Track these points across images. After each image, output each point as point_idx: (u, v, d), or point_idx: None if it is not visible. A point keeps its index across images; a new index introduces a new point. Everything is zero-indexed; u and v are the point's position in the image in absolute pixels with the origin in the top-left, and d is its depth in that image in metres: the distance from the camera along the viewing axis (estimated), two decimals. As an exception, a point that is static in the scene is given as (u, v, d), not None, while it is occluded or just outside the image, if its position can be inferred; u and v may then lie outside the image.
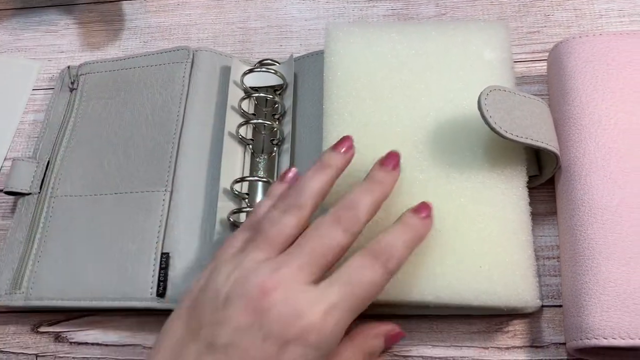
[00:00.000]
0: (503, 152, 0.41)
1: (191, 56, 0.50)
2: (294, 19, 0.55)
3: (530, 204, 0.42)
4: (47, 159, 0.49)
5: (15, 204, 0.49)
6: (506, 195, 0.41)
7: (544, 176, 0.43)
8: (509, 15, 0.52)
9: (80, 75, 0.53)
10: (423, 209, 0.37)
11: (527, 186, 0.43)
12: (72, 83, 0.52)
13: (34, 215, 0.47)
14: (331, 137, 0.42)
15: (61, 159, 0.49)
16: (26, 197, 0.48)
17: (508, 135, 0.38)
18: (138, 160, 0.47)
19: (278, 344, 0.30)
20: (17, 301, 0.43)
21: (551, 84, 0.46)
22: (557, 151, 0.40)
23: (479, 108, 0.38)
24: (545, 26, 0.51)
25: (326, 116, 0.43)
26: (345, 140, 0.38)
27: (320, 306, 0.31)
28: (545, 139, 0.40)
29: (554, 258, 0.42)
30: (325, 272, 0.33)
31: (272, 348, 0.30)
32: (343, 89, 0.44)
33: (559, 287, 0.41)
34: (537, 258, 0.42)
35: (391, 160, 0.37)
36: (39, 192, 0.48)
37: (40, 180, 0.48)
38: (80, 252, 0.44)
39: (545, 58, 0.49)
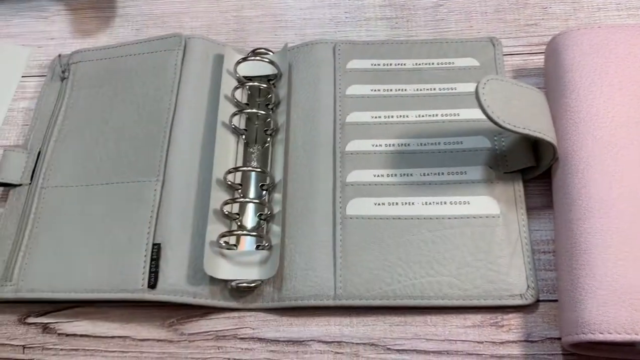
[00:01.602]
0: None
1: (183, 43, 0.49)
2: (289, 7, 0.54)
3: (526, 196, 0.42)
4: (38, 150, 0.48)
5: (4, 195, 0.48)
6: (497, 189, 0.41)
7: (541, 168, 0.42)
8: (507, 7, 0.52)
9: (71, 64, 0.52)
10: None
11: (523, 178, 0.43)
12: (63, 72, 0.51)
13: (24, 207, 0.46)
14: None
15: (52, 149, 0.48)
16: (17, 188, 0.47)
17: (506, 125, 0.38)
18: (129, 150, 0.46)
19: None
20: (7, 293, 0.42)
21: (548, 77, 0.45)
22: (554, 142, 0.40)
23: (477, 97, 0.37)
24: (542, 19, 0.51)
25: None
26: None
27: None
28: (543, 130, 0.39)
29: (549, 252, 0.42)
30: None
31: None
32: None
33: (554, 281, 0.41)
34: (533, 252, 0.41)
35: None
36: (30, 183, 0.47)
37: (31, 171, 0.47)
38: (71, 243, 0.43)
39: (543, 51, 0.49)
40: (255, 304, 0.41)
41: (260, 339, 0.41)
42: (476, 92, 0.38)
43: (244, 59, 0.48)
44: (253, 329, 0.41)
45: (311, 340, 0.41)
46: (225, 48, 0.49)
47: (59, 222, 0.44)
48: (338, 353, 0.40)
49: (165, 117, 0.46)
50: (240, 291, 0.41)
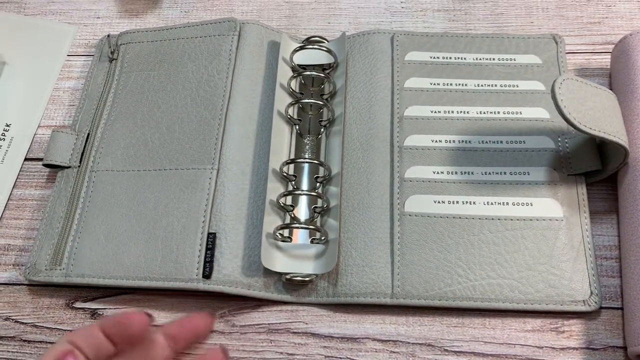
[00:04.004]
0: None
1: (238, 29, 0.48)
2: (343, -5, 0.53)
3: (589, 200, 0.41)
4: (87, 132, 0.47)
5: (50, 176, 0.47)
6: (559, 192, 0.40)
7: (607, 171, 0.41)
8: (569, 3, 0.50)
9: (120, 44, 0.51)
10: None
11: (586, 181, 0.42)
12: (112, 53, 0.50)
13: (73, 190, 0.45)
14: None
15: (102, 132, 0.47)
16: (65, 170, 0.46)
17: (581, 126, 0.36)
18: (183, 135, 0.45)
19: None
20: (58, 277, 0.42)
21: (616, 79, 0.44)
22: (627, 145, 0.38)
23: (553, 97, 0.36)
24: (606, 17, 0.49)
25: None
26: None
27: None
28: (617, 133, 0.38)
29: (612, 259, 0.41)
30: None
31: None
32: None
33: (617, 288, 0.40)
34: (595, 258, 0.40)
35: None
36: (79, 166, 0.46)
37: (80, 153, 0.46)
38: (122, 229, 0.42)
39: (606, 50, 0.47)
40: (309, 298, 0.41)
41: (313, 334, 0.40)
42: (552, 91, 0.36)
43: (302, 47, 0.47)
44: (306, 323, 0.41)
45: (366, 337, 0.40)
46: (281, 35, 0.48)
47: (110, 207, 0.44)
48: (394, 352, 0.39)
49: (220, 104, 0.45)
50: (294, 285, 0.41)
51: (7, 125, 0.49)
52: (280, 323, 0.41)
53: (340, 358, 0.39)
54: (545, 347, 0.39)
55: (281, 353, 0.40)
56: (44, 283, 0.43)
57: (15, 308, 0.43)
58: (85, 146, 0.46)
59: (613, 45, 0.46)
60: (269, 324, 0.41)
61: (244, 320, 0.41)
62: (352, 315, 0.40)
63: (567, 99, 0.36)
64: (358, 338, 0.40)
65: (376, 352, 0.39)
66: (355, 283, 0.40)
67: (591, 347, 0.38)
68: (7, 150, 0.48)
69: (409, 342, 0.39)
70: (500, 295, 0.39)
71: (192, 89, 0.47)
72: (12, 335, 0.42)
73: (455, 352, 0.39)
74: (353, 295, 0.40)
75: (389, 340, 0.40)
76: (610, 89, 0.46)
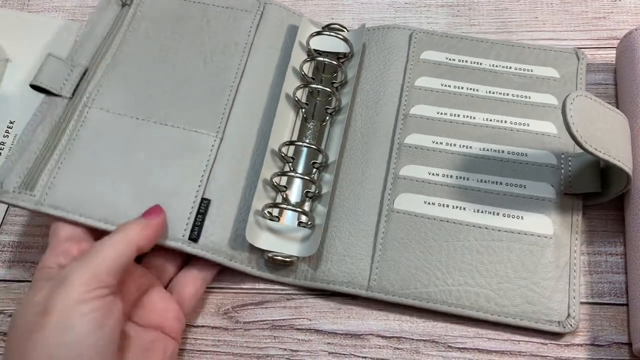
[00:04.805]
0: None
1: (262, 8, 0.48)
2: (346, -10, 0.53)
3: (584, 222, 0.41)
4: (86, 67, 0.45)
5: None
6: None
7: (608, 196, 0.40)
8: (574, -1, 0.50)
9: None
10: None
11: (584, 204, 0.41)
12: None
13: (60, 120, 0.43)
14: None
15: (103, 71, 0.45)
16: (55, 98, 0.44)
17: (587, 146, 0.35)
18: (191, 97, 0.45)
19: None
20: (26, 203, 0.40)
21: (621, 74, 0.44)
22: (630, 172, 0.37)
23: (563, 112, 0.35)
24: (612, 12, 0.49)
25: None
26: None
27: None
28: (623, 158, 0.37)
29: (617, 255, 0.40)
30: None
31: None
32: None
33: (622, 285, 0.40)
34: (600, 254, 0.40)
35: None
36: (71, 98, 0.44)
37: (75, 85, 0.44)
38: (111, 172, 0.41)
39: (612, 45, 0.47)
40: (288, 279, 0.41)
41: (317, 331, 0.40)
42: (563, 107, 0.35)
43: (318, 33, 0.47)
44: (310, 319, 0.41)
45: (370, 334, 0.40)
46: (302, 19, 0.48)
47: (101, 147, 0.42)
48: (397, 349, 0.39)
49: (233, 76, 0.45)
50: (275, 264, 0.41)
51: (11, 123, 0.49)
52: (283, 319, 0.41)
53: (344, 354, 0.39)
54: (550, 343, 0.39)
55: (285, 349, 0.40)
56: (9, 204, 0.41)
57: (16, 304, 0.43)
58: (81, 80, 0.45)
59: (618, 41, 0.45)
60: (272, 320, 0.41)
61: (247, 317, 0.41)
62: (356, 312, 0.41)
63: (576, 115, 0.35)
64: (362, 334, 0.40)
65: (380, 348, 0.39)
66: (334, 271, 0.40)
67: (596, 343, 0.38)
68: (10, 147, 0.48)
69: (412, 339, 0.39)
70: (475, 304, 0.39)
71: (206, 54, 0.46)
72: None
73: (459, 348, 0.39)
74: (330, 282, 0.40)
75: (392, 337, 0.40)
76: (615, 85, 0.45)
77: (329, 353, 0.40)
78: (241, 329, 0.41)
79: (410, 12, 0.51)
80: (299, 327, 0.41)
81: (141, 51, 0.47)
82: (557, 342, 0.38)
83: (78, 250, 0.37)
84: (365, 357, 0.39)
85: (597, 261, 0.40)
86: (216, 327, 0.41)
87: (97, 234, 0.39)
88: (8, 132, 0.49)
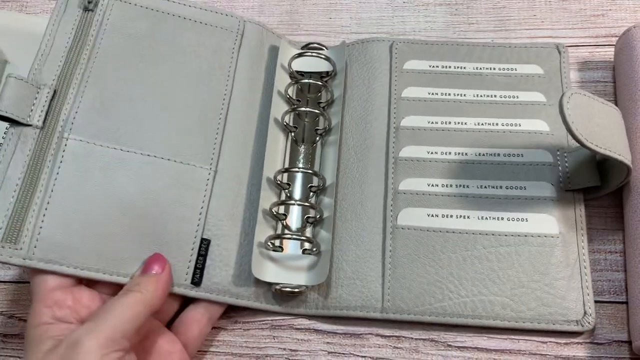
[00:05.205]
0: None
1: (242, 27, 0.46)
2: (344, -11, 0.53)
3: (587, 217, 0.41)
4: (54, 87, 0.40)
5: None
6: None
7: (607, 189, 0.40)
8: (573, -5, 0.50)
9: None
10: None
11: (584, 198, 0.41)
12: (90, 2, 0.43)
13: (34, 154, 0.38)
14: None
15: (75, 92, 0.40)
16: (22, 127, 0.39)
17: (588, 144, 0.35)
18: (178, 125, 0.42)
19: None
20: (13, 258, 0.36)
21: (619, 71, 0.44)
22: (630, 164, 0.37)
23: (561, 112, 0.35)
24: (610, 9, 0.49)
25: None
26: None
27: None
28: (622, 151, 0.37)
29: (617, 252, 0.40)
30: None
31: None
32: None
33: (622, 282, 0.40)
34: (599, 252, 0.40)
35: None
36: (42, 127, 0.39)
37: (45, 112, 0.39)
38: (102, 214, 0.38)
39: (610, 43, 0.47)
40: (299, 309, 0.40)
41: (316, 331, 0.40)
42: (560, 106, 0.35)
43: (300, 55, 0.46)
44: (309, 319, 0.41)
45: (369, 333, 0.40)
46: (281, 41, 0.47)
47: (86, 184, 0.38)
48: (397, 347, 0.39)
49: (221, 103, 0.44)
50: (284, 295, 0.40)
51: (9, 124, 0.49)
52: (283, 319, 0.41)
53: (344, 354, 0.39)
54: (549, 342, 0.39)
55: (284, 349, 0.40)
56: None
57: (18, 306, 0.43)
58: (50, 104, 0.40)
59: (616, 38, 0.45)
60: (272, 320, 0.41)
61: (246, 317, 0.41)
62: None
63: (574, 114, 0.35)
64: (361, 334, 0.40)
65: (379, 347, 0.39)
66: (345, 296, 0.40)
67: (595, 341, 0.38)
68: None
69: (412, 338, 0.39)
70: (491, 313, 0.38)
71: (191, 76, 0.44)
72: (16, 333, 0.42)
73: (459, 347, 0.39)
74: (343, 308, 0.40)
75: (392, 336, 0.40)
76: (614, 82, 0.45)
77: (329, 352, 0.39)
78: (240, 329, 0.41)
79: (409, 11, 0.51)
80: (298, 326, 0.40)
81: (116, 69, 0.42)
82: (556, 341, 0.38)
83: (73, 299, 0.35)
84: (364, 357, 0.39)
85: (597, 259, 0.40)
86: (215, 327, 0.41)
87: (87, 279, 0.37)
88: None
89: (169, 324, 0.39)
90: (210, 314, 0.39)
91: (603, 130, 0.36)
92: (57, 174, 0.38)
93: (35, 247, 0.36)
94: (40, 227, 0.37)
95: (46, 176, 0.38)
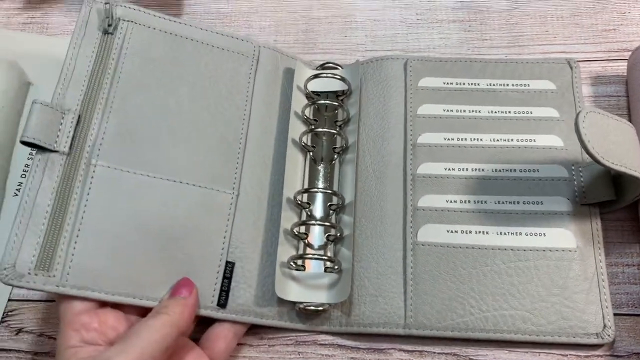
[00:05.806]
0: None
1: (257, 52, 0.47)
2: (359, 8, 0.53)
3: (603, 230, 0.42)
4: (78, 113, 0.40)
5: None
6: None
7: (623, 202, 0.41)
8: (583, 11, 0.51)
9: (122, 20, 0.44)
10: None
11: (600, 212, 0.42)
12: (109, 25, 0.43)
13: (63, 181, 0.38)
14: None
15: (99, 118, 0.41)
16: (49, 154, 0.39)
17: (604, 161, 0.36)
18: (202, 149, 0.42)
19: None
20: (47, 286, 0.36)
21: (632, 86, 0.44)
22: None
23: (577, 131, 0.36)
24: (621, 24, 0.50)
25: None
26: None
27: None
28: (637, 167, 0.38)
29: (633, 265, 0.41)
30: None
31: None
32: None
33: (639, 295, 0.40)
34: (616, 265, 0.41)
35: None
36: (68, 153, 0.39)
37: (71, 138, 0.39)
38: (132, 241, 0.38)
39: (622, 57, 0.48)
40: (323, 327, 0.41)
41: (340, 346, 0.41)
42: (576, 126, 0.36)
43: (315, 76, 0.47)
44: (333, 335, 0.41)
45: (392, 348, 0.41)
46: (296, 62, 0.48)
47: (115, 211, 0.39)
48: (420, 362, 0.40)
49: (241, 126, 0.45)
50: (308, 314, 0.41)
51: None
52: (307, 335, 0.42)
53: (368, 369, 0.40)
54: (570, 354, 0.39)
55: (309, 365, 0.41)
56: (28, 288, 0.37)
57: (48, 324, 0.43)
58: (76, 130, 0.40)
59: (629, 52, 0.46)
60: (296, 336, 0.42)
61: (271, 333, 0.42)
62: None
63: (590, 132, 0.36)
64: (384, 349, 0.41)
65: (403, 362, 0.40)
66: (368, 313, 0.41)
67: (615, 354, 0.39)
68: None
69: (434, 352, 0.40)
70: (512, 327, 0.39)
71: (210, 101, 0.44)
72: (45, 351, 0.42)
73: (480, 360, 0.40)
74: (366, 325, 0.40)
75: (414, 351, 0.40)
76: (627, 96, 0.46)
77: (352, 367, 0.40)
78: (265, 345, 0.41)
79: (423, 28, 0.52)
80: (322, 342, 0.41)
81: (138, 94, 0.42)
82: (577, 354, 0.39)
83: (99, 321, 0.36)
84: (388, 371, 0.40)
85: (615, 272, 0.41)
86: (240, 344, 0.41)
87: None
88: (32, 155, 0.50)
89: (196, 340, 0.40)
90: (236, 329, 0.40)
91: (618, 147, 0.37)
92: (87, 200, 0.39)
93: (68, 274, 0.37)
94: (72, 254, 0.37)
95: (76, 202, 0.38)
